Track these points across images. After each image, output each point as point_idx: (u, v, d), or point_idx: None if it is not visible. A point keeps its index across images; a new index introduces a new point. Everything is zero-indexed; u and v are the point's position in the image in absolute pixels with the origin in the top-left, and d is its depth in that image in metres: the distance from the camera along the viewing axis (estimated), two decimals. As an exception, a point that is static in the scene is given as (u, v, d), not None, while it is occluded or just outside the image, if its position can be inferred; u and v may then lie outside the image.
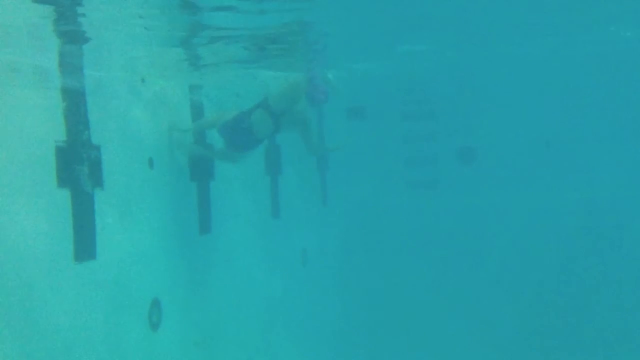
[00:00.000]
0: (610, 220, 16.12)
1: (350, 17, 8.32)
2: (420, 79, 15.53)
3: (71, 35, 7.47)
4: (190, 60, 9.65)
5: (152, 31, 7.74)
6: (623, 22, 10.48)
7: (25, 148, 7.10)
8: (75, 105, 7.84)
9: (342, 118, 15.87)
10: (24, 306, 6.89)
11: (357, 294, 15.97)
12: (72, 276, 7.62)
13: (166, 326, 9.28)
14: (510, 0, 8.60)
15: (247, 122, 8.98)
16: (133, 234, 8.81)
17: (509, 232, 16.43)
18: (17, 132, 7.03)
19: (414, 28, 9.71)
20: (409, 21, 9.11)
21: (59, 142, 7.56)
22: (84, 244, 7.83)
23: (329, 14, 8.00)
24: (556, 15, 9.74)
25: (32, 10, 6.35)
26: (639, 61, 13.77)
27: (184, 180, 10.05)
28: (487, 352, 16.12)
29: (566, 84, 15.69)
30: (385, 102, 16.24)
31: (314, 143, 9.51)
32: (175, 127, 9.69)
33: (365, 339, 16.08)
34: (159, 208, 9.39)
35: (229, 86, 11.40)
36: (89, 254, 7.91)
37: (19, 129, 7.05)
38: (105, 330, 8.16)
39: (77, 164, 7.77)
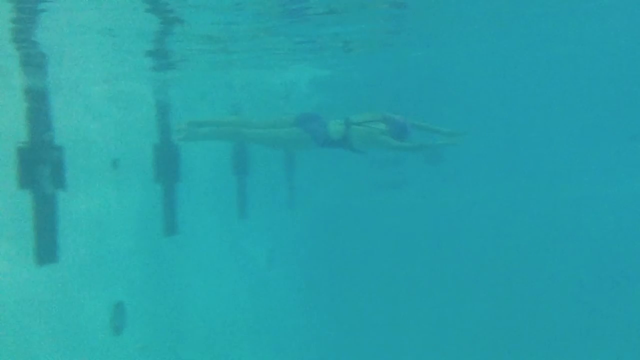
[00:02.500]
0: (575, 221, 16.31)
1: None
2: (384, 78, 15.53)
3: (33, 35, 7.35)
4: (158, 59, 9.55)
5: (119, 31, 7.63)
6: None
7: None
8: (37, 106, 7.71)
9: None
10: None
11: (324, 295, 15.96)
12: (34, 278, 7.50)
13: (130, 330, 9.17)
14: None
15: (325, 120, 9.54)
16: (96, 236, 8.69)
17: (474, 232, 16.52)
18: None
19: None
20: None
21: (21, 143, 7.43)
22: (46, 247, 7.70)
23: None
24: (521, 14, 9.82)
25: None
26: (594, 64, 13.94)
27: (149, 181, 9.94)
28: (453, 351, 16.20)
29: (531, 84, 15.82)
30: (350, 102, 16.20)
31: (399, 149, 9.69)
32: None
33: (331, 339, 16.07)
34: (123, 209, 9.27)
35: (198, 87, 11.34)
36: (50, 256, 7.78)
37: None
38: (68, 334, 8.04)
39: (39, 165, 7.64)
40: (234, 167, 12.39)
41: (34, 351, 7.51)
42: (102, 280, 8.75)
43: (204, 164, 11.31)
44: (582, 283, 16.14)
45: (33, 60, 7.86)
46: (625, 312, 15.82)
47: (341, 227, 16.55)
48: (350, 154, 9.79)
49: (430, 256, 16.65)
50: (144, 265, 9.69)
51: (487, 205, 16.61)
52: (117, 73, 9.52)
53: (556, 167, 16.35)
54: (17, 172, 7.36)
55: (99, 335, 8.63)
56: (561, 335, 16.00)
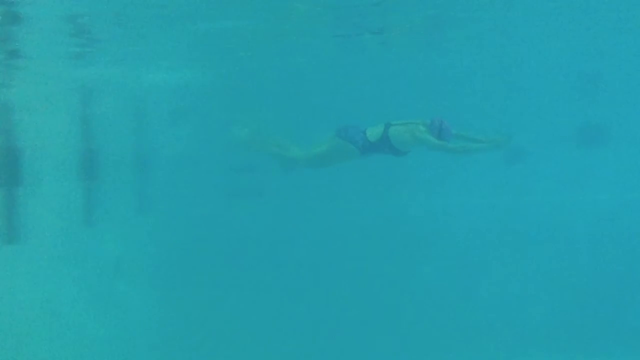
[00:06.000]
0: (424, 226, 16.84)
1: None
2: (245, 82, 15.51)
3: None
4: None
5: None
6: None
7: None
8: None
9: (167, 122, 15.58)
10: None
11: (174, 303, 15.73)
12: None
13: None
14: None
15: (363, 127, 9.77)
16: None
17: (330, 239, 16.76)
18: None
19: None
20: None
21: None
22: None
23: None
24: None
25: None
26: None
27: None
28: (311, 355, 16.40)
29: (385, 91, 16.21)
30: (207, 106, 16.11)
31: (441, 149, 9.74)
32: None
33: (182, 348, 15.88)
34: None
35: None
36: None
37: None
38: None
39: None
40: (82, 172, 12.01)
41: None
42: None
43: (49, 169, 10.92)
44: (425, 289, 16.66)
45: None
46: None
47: (195, 234, 16.36)
48: (393, 157, 9.92)
49: (285, 263, 16.75)
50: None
51: (342, 213, 16.89)
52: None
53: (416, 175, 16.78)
54: None
55: None
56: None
